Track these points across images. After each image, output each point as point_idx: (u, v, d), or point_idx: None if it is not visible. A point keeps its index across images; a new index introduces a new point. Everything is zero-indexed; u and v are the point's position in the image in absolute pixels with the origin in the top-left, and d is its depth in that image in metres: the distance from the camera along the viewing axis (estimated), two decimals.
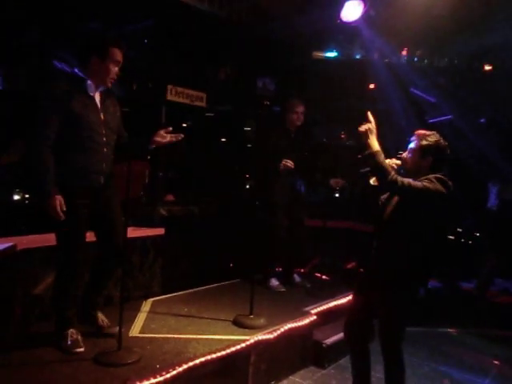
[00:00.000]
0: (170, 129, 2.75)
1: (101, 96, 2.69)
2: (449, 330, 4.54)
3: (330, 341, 3.48)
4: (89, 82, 2.62)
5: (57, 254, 2.68)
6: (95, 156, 2.62)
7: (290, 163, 3.89)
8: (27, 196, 4.04)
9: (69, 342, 2.58)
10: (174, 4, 4.24)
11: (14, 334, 2.71)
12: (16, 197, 4.09)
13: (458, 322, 4.67)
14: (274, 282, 4.17)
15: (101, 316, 2.88)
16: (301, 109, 4.10)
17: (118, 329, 2.55)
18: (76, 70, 2.64)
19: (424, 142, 2.48)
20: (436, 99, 6.66)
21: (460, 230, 6.40)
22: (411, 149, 2.54)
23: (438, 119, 7.26)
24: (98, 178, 2.65)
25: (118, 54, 2.64)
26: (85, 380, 2.28)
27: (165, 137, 2.74)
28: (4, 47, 4.46)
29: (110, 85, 2.68)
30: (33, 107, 2.55)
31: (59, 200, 2.47)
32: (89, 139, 2.58)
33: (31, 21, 4.32)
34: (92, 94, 2.64)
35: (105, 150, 2.66)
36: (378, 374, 3.38)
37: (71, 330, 2.64)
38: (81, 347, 2.59)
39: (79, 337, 2.64)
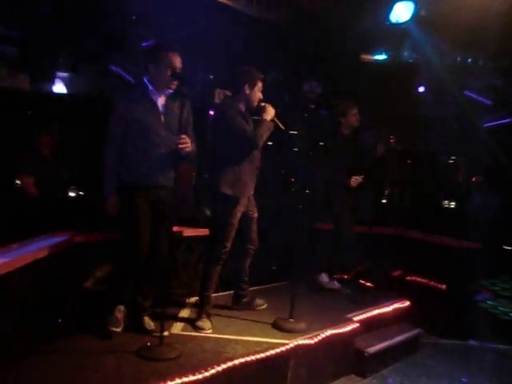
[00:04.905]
0: (183, 136, 2.70)
1: (166, 99, 2.84)
2: (470, 342, 4.28)
3: (372, 350, 3.38)
4: (150, 87, 2.80)
5: (119, 247, 2.83)
6: (154, 156, 2.75)
7: (359, 179, 3.97)
8: (81, 193, 4.28)
9: (110, 318, 2.74)
10: (221, 9, 4.33)
11: (65, 324, 2.86)
12: (71, 193, 4.35)
13: (479, 335, 4.37)
14: (325, 278, 4.10)
15: (147, 320, 2.91)
16: (356, 110, 4.07)
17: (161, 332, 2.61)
18: (144, 79, 2.84)
19: None
20: (492, 102, 6.32)
21: None
22: None
23: (495, 123, 6.89)
24: (156, 177, 2.78)
25: (172, 58, 2.75)
26: (128, 371, 2.37)
27: (187, 143, 2.71)
28: (69, 54, 4.80)
29: (171, 87, 2.80)
30: (104, 113, 2.84)
31: (114, 202, 2.74)
32: (147, 141, 2.74)
33: (94, 30, 4.59)
34: (154, 99, 2.80)
35: (163, 151, 2.77)
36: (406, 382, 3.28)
37: (120, 306, 2.79)
38: (118, 327, 2.73)
39: (122, 316, 2.78)
